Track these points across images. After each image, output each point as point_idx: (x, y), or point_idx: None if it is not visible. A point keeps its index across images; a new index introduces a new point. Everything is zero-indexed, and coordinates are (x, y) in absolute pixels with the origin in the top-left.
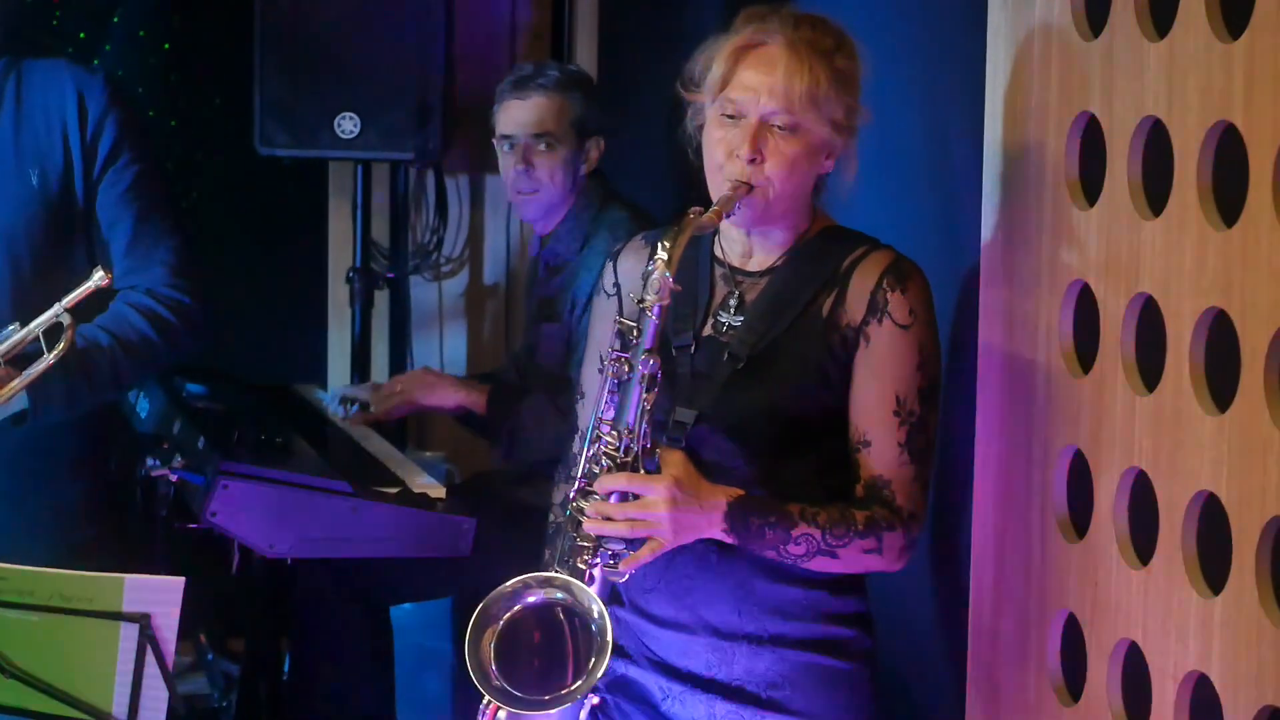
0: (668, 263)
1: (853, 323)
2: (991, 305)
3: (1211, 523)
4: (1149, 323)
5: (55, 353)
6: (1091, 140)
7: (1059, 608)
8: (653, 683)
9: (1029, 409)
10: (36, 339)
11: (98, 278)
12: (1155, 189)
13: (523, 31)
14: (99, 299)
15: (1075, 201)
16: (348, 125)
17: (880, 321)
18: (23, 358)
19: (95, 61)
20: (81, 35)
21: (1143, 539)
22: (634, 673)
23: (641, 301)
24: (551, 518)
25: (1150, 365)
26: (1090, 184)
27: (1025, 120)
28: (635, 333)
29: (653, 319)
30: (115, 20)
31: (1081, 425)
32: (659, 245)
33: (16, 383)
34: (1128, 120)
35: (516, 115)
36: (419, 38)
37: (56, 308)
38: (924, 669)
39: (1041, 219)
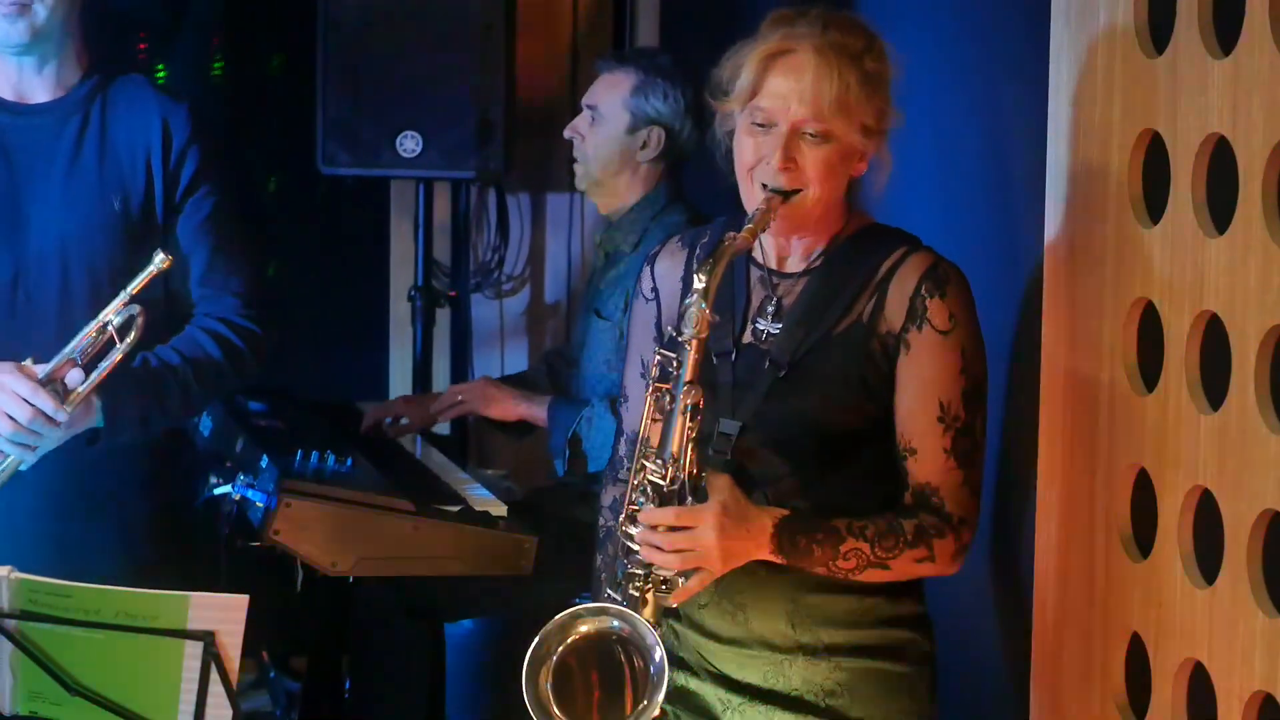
0: (704, 294)
1: (893, 330)
2: (1055, 322)
3: (1277, 542)
4: (1213, 341)
5: (127, 343)
6: (1155, 157)
7: (1123, 627)
8: (712, 694)
9: (1092, 426)
10: (111, 340)
11: (159, 260)
12: (1220, 207)
13: (585, 50)
14: (175, 324)
15: (1139, 219)
16: (409, 144)
17: (920, 328)
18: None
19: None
20: (141, 55)
21: (1207, 558)
22: (694, 685)
23: (680, 334)
24: (600, 521)
25: (1214, 383)
26: (1154, 201)
27: (1088, 137)
28: (675, 364)
29: (691, 353)
30: (175, 40)
31: (1145, 443)
32: (695, 277)
33: (95, 375)
34: (1192, 137)
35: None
36: (480, 57)
37: (123, 295)
38: (985, 679)
39: (1105, 236)
